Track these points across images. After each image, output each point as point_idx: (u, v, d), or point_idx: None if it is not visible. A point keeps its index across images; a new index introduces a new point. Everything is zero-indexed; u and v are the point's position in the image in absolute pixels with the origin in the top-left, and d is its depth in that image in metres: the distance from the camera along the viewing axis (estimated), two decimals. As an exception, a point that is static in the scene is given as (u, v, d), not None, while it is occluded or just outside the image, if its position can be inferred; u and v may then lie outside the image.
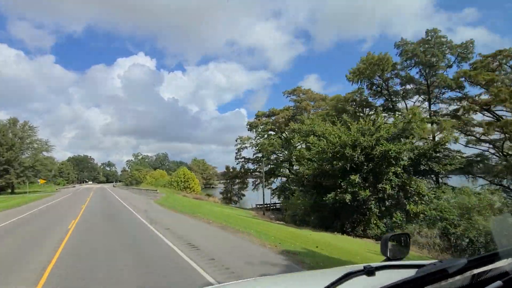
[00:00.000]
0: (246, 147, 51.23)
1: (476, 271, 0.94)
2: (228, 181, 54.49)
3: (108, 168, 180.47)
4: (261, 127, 49.97)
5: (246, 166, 51.70)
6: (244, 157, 51.95)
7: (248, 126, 51.49)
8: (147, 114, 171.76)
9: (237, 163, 52.75)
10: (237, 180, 53.13)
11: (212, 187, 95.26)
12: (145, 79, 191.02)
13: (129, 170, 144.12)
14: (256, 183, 50.23)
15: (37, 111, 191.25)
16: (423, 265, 1.02)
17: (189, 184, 53.22)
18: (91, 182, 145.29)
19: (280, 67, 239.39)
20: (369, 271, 1.02)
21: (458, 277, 0.93)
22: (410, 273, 0.97)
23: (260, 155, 47.21)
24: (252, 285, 1.83)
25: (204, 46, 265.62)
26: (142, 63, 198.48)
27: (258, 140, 49.36)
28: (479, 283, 0.91)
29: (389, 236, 1.61)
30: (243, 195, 54.13)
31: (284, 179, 45.31)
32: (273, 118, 49.31)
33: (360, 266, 1.07)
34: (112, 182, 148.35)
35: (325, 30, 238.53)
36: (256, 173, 51.32)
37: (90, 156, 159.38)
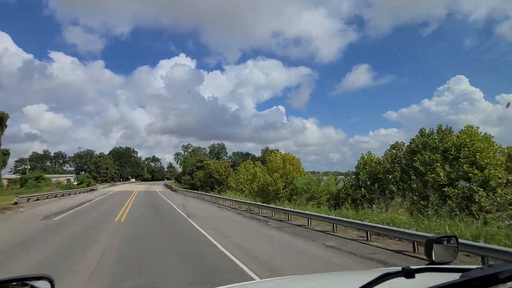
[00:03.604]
0: None
1: None
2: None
3: (152, 164, 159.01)
4: None
5: None
6: None
7: None
8: (188, 113, 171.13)
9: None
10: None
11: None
12: (186, 78, 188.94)
13: (179, 165, 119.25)
14: None
15: (89, 113, 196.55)
16: (469, 269, 0.93)
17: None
18: (133, 180, 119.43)
19: (327, 58, 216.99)
20: (408, 273, 0.98)
21: (510, 284, 0.84)
22: (453, 277, 0.89)
23: None
24: (287, 283, 1.92)
25: (247, 39, 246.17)
26: (183, 63, 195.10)
27: None
28: None
29: (434, 238, 1.51)
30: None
31: None
32: None
33: (398, 268, 1.03)
34: (161, 180, 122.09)
35: (381, 14, 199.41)
36: None
37: (133, 149, 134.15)
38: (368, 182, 22.54)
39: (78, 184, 53.19)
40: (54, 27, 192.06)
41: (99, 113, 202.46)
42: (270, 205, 18.57)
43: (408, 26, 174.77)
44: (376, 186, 21.66)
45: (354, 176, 24.32)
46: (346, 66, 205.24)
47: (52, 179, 58.78)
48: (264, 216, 16.84)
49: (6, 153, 48.82)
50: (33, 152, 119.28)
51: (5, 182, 57.03)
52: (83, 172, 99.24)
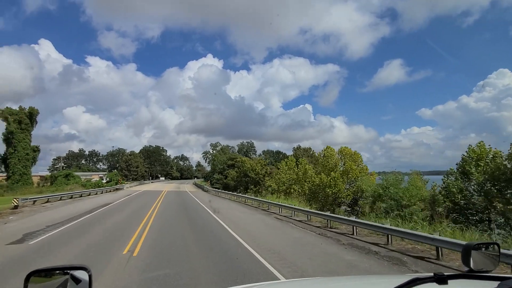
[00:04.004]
0: None
1: None
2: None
3: (181, 163, 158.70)
4: None
5: None
6: None
7: None
8: (215, 112, 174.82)
9: None
10: None
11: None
12: (213, 79, 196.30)
13: (208, 163, 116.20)
14: None
15: (123, 114, 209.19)
16: (508, 278, 0.89)
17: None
18: (163, 178, 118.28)
19: (357, 54, 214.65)
20: (440, 279, 0.95)
21: None
22: (490, 285, 0.85)
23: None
24: (316, 284, 1.93)
25: (274, 37, 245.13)
26: (210, 63, 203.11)
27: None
28: None
29: (473, 244, 1.39)
30: None
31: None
32: None
33: (429, 274, 1.00)
34: (189, 178, 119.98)
35: (417, 5, 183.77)
36: None
37: (162, 147, 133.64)
38: (490, 186, 15.41)
39: (107, 182, 50.51)
40: (90, 32, 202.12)
41: (132, 113, 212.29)
42: (354, 219, 12.34)
43: (446, 17, 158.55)
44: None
45: (458, 175, 17.24)
46: (377, 62, 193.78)
47: (82, 177, 57.21)
48: (337, 233, 10.90)
49: (36, 150, 47.19)
50: (69, 150, 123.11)
51: (36, 179, 56.19)
52: (115, 170, 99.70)
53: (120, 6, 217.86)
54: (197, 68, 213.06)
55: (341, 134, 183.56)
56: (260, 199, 20.84)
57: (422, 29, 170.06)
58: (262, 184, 42.12)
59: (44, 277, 1.40)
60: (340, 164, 25.53)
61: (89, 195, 31.47)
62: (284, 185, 32.18)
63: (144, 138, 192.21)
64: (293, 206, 16.33)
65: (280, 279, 5.87)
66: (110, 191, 38.78)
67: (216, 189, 40.34)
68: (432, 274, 0.96)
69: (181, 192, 38.77)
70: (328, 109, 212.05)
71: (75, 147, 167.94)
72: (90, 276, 1.35)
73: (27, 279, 1.35)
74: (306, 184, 26.11)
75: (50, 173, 51.43)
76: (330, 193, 23.21)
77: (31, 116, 46.68)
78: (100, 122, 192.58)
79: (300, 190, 26.47)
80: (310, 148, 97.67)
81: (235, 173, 45.33)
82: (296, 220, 15.01)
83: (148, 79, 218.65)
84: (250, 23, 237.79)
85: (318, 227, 13.09)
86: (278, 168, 35.44)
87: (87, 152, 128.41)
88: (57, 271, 1.38)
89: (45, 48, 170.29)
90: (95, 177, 64.20)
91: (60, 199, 24.79)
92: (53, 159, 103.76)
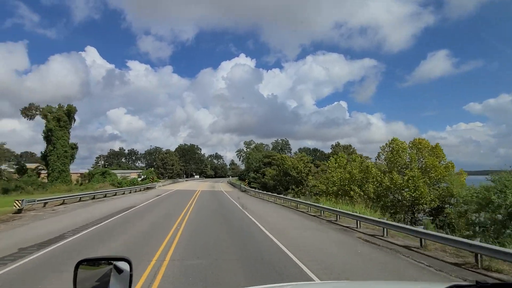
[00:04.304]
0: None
1: None
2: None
3: (215, 161, 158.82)
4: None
5: None
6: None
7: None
8: (248, 111, 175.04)
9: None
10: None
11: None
12: (246, 78, 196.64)
13: (242, 161, 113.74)
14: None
15: (160, 114, 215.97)
16: None
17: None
18: (197, 177, 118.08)
19: (397, 46, 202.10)
20: (482, 287, 0.89)
21: None
22: None
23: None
24: (354, 286, 2.00)
25: (307, 33, 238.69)
26: (243, 63, 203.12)
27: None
28: None
29: None
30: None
31: None
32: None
33: (472, 281, 0.95)
34: (223, 177, 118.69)
35: None
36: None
37: (197, 146, 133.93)
38: None
39: (142, 180, 49.20)
40: (130, 38, 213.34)
41: (168, 114, 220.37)
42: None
43: (499, 1, 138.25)
44: None
45: None
46: (420, 54, 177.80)
47: (119, 175, 57.03)
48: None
49: (74, 147, 47.17)
50: (110, 149, 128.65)
51: (75, 176, 56.99)
52: (150, 168, 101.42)
53: (157, 10, 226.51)
54: (230, 68, 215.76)
55: (378, 132, 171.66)
56: (326, 206, 15.68)
57: (472, 16, 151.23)
58: (305, 184, 37.25)
59: (91, 266, 1.49)
60: (416, 159, 19.79)
61: (115, 195, 29.06)
62: (335, 186, 27.00)
63: (179, 137, 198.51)
64: (385, 221, 11.21)
65: None
66: (140, 190, 36.39)
67: (254, 189, 36.24)
68: (474, 281, 0.92)
69: (216, 193, 35.27)
70: (364, 105, 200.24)
71: (117, 147, 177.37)
72: (131, 267, 1.41)
73: (76, 267, 1.42)
74: (369, 185, 20.76)
75: (88, 171, 51.41)
76: (407, 197, 17.72)
77: (69, 113, 46.66)
78: (140, 123, 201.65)
79: (361, 193, 21.19)
80: (350, 146, 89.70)
81: (273, 171, 40.88)
82: (398, 245, 10.00)
83: (183, 81, 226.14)
84: (282, 20, 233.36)
85: (386, 241, 8.07)
86: (317, 167, 30.22)
87: (126, 151, 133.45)
88: (102, 261, 1.48)
89: (91, 55, 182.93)
90: (133, 175, 64.18)
91: (80, 200, 22.14)
92: (96, 158, 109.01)
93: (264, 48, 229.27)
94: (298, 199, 21.00)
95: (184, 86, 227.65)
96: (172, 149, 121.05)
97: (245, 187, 38.15)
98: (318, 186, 27.78)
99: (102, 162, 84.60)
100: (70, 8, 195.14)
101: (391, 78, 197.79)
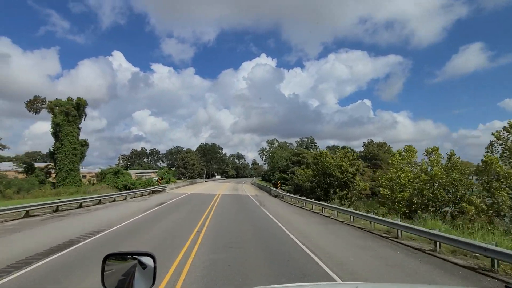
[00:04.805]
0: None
1: None
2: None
3: (237, 161, 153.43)
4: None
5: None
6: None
7: None
8: (269, 111, 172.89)
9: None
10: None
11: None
12: (267, 78, 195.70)
13: (264, 161, 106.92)
14: None
15: (182, 115, 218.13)
16: None
17: None
18: (219, 177, 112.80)
19: (425, 41, 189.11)
20: None
21: None
22: None
23: None
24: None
25: (329, 30, 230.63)
26: (264, 63, 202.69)
27: None
28: None
29: None
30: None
31: None
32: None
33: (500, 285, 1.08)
34: (245, 177, 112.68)
35: None
36: None
37: (218, 145, 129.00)
38: None
39: (156, 181, 43.75)
40: (154, 40, 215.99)
41: (190, 115, 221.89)
42: None
43: None
44: None
45: None
46: (451, 48, 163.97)
47: (134, 174, 52.43)
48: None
49: (84, 144, 42.72)
50: (132, 149, 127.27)
51: (88, 176, 52.85)
52: (174, 168, 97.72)
53: (179, 12, 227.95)
54: (251, 68, 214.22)
55: (405, 131, 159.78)
56: (449, 236, 7.98)
57: (510, 5, 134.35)
58: (352, 187, 29.73)
59: (117, 260, 1.53)
60: None
61: (113, 201, 23.01)
62: (407, 190, 19.36)
63: (201, 138, 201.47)
64: None
65: None
66: (142, 195, 29.40)
67: (289, 193, 29.06)
68: (503, 286, 0.85)
69: (242, 199, 27.54)
70: (390, 103, 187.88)
71: (142, 147, 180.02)
72: (155, 262, 1.43)
73: (104, 261, 1.47)
74: (502, 192, 12.90)
75: (100, 170, 46.90)
76: None
77: (79, 107, 42.22)
78: (163, 124, 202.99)
79: (482, 206, 13.48)
80: (385, 143, 79.97)
81: (309, 171, 33.59)
82: None
83: (205, 82, 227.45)
84: (303, 18, 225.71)
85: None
86: (392, 162, 22.56)
87: (148, 151, 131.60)
88: (128, 256, 1.52)
89: (117, 59, 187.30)
90: (152, 175, 59.62)
91: (57, 210, 16.11)
92: (118, 157, 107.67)
93: (285, 47, 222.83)
94: (384, 218, 13.60)
95: (206, 87, 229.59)
96: (194, 149, 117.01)
97: (277, 190, 31.06)
98: (381, 191, 20.37)
99: (121, 161, 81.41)
100: (98, 15, 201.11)
101: (418, 74, 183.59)
